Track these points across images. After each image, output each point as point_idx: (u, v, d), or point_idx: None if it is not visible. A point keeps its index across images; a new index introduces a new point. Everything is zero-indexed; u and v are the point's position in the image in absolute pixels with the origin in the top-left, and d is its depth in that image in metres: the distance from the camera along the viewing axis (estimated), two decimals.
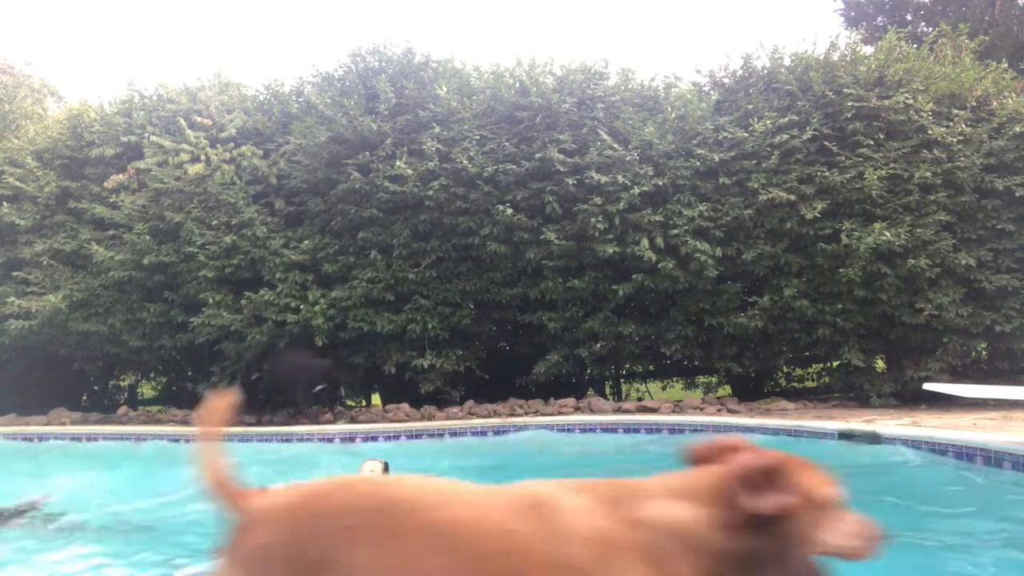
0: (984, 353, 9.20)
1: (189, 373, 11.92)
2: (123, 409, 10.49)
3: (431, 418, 8.76)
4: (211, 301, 9.72)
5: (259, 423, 8.92)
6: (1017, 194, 8.62)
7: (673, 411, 8.44)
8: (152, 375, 12.85)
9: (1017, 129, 8.72)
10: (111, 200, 10.50)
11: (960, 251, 8.59)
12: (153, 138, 10.49)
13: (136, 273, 10.13)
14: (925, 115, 8.83)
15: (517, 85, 9.75)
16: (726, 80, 10.26)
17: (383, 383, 10.75)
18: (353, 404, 10.85)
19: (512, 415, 8.61)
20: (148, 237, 10.14)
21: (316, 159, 9.95)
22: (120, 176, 10.61)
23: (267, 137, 10.79)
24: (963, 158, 8.68)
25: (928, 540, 3.78)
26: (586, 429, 7.91)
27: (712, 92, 10.06)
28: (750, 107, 9.39)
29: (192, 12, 39.31)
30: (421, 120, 9.72)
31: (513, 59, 10.16)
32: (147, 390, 13.44)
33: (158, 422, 9.67)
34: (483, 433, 7.99)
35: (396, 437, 8.06)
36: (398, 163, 9.30)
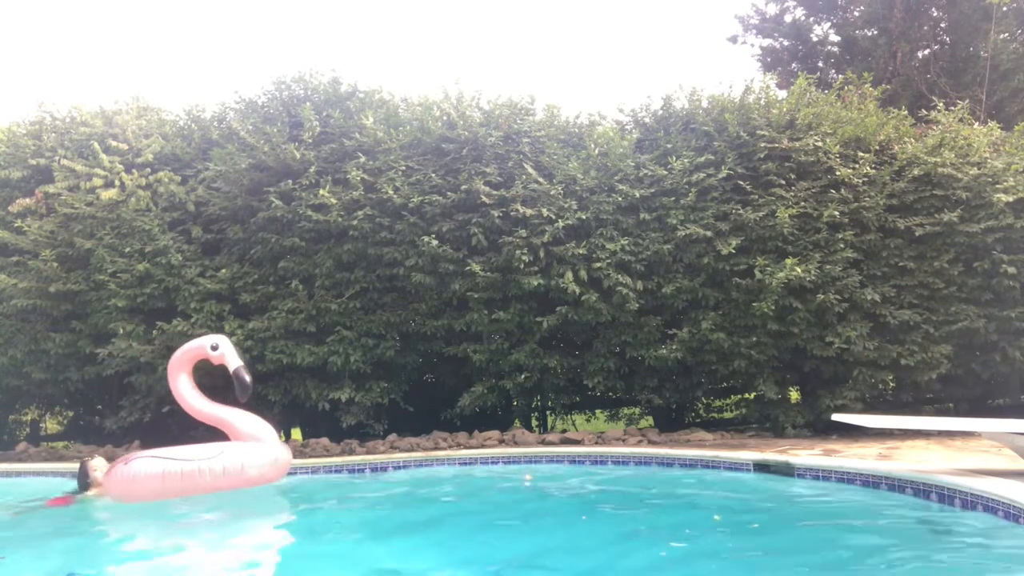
0: (891, 385, 9.57)
1: (98, 407, 11.38)
2: (22, 445, 9.92)
3: (351, 452, 8.60)
4: (121, 331, 9.33)
5: None
6: (917, 233, 9.09)
7: (596, 443, 8.54)
8: (57, 409, 12.24)
9: (916, 172, 9.22)
10: (16, 225, 10.04)
11: (866, 287, 8.97)
12: (64, 161, 10.09)
13: (41, 301, 9.67)
14: (833, 157, 9.27)
15: (444, 118, 9.79)
16: (647, 120, 10.56)
17: (304, 417, 10.50)
18: None
19: (436, 448, 8.52)
20: (56, 264, 9.71)
21: (236, 186, 9.76)
22: (27, 200, 10.15)
23: (186, 163, 10.52)
24: (868, 198, 9.12)
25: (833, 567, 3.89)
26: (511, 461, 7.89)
27: (634, 131, 10.33)
28: (669, 146, 9.67)
29: (112, 36, 38.30)
30: (346, 149, 9.65)
31: (441, 92, 10.23)
32: (52, 425, 12.77)
33: (60, 459, 9.17)
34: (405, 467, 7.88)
35: (314, 472, 7.88)
36: (322, 192, 9.20)
